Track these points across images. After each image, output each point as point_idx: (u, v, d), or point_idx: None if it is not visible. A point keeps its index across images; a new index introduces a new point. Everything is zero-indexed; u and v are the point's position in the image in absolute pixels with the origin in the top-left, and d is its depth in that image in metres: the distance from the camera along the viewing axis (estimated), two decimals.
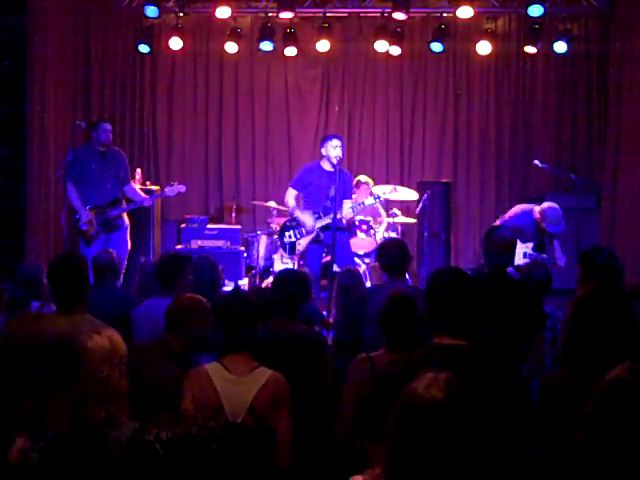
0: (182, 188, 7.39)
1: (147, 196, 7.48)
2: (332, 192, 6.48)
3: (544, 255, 6.84)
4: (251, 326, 3.15)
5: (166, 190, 7.39)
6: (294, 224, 6.92)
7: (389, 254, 4.43)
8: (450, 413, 1.83)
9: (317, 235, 6.68)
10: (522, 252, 6.93)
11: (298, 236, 6.88)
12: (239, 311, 3.15)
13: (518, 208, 6.94)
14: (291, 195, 6.91)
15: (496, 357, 2.74)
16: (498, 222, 6.93)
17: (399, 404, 1.91)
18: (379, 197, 7.07)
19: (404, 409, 1.88)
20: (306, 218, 6.71)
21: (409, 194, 8.40)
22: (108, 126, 7.17)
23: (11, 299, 4.28)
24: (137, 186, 7.77)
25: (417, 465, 1.83)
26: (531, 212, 6.69)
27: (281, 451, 2.97)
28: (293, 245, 6.89)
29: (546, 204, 6.66)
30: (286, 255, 7.14)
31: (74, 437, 2.35)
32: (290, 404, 3.02)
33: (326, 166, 6.68)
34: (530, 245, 6.98)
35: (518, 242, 6.88)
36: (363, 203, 7.02)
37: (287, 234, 6.95)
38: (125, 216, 7.21)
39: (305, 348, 3.54)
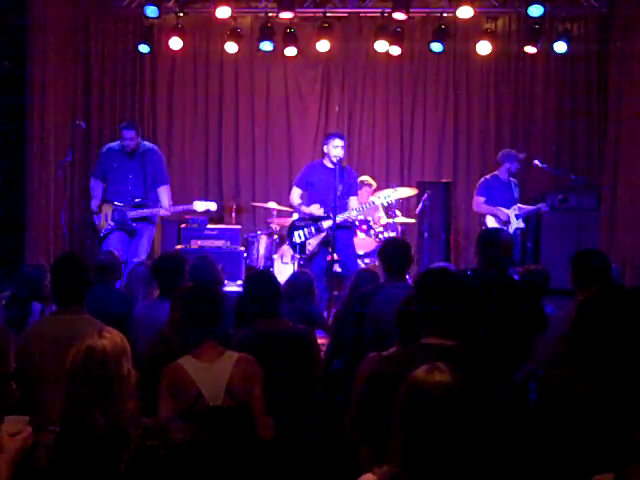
0: (213, 206, 7.12)
1: (167, 206, 7.05)
2: (338, 191, 6.47)
3: (531, 207, 7.47)
4: (220, 317, 3.24)
5: (195, 204, 7.08)
6: (302, 224, 6.89)
7: (390, 254, 4.41)
8: (460, 394, 1.85)
9: (327, 235, 6.64)
10: (514, 216, 7.12)
11: (308, 236, 6.85)
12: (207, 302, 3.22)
13: (480, 181, 7.63)
14: (296, 194, 6.90)
15: (487, 358, 2.73)
16: (476, 201, 7.20)
17: (406, 395, 1.91)
18: (388, 196, 7.02)
19: (413, 398, 1.88)
20: (313, 209, 6.73)
21: (409, 192, 8.39)
22: (128, 133, 6.95)
23: (12, 298, 4.28)
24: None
25: (432, 452, 1.83)
26: (491, 177, 7.43)
27: (262, 425, 3.08)
28: (303, 245, 6.86)
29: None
30: (297, 255, 7.09)
31: (105, 436, 2.37)
32: (261, 381, 3.13)
33: (328, 164, 6.70)
34: (516, 207, 7.16)
35: (505, 209, 7.15)
36: (373, 203, 7.01)
37: (296, 234, 6.90)
38: (149, 222, 7.01)
39: (291, 345, 3.56)
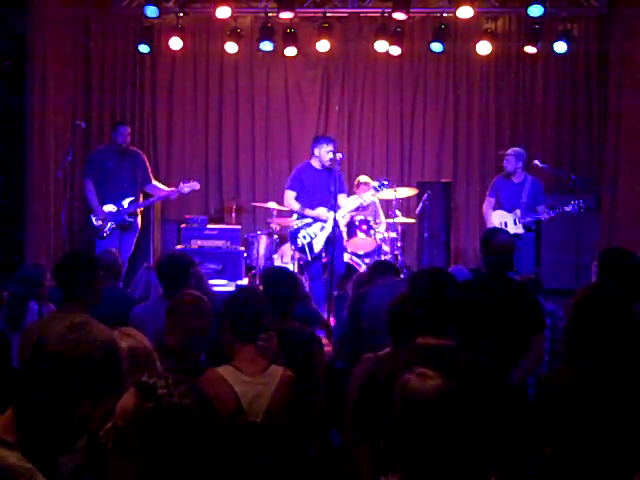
0: (196, 185, 7.45)
1: (172, 189, 7.52)
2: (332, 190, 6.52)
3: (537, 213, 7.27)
4: (259, 319, 3.13)
5: (180, 187, 7.42)
6: (304, 224, 6.95)
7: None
8: (453, 397, 1.85)
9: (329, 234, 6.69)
10: (513, 220, 7.05)
11: (313, 235, 6.90)
12: (251, 303, 3.13)
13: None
14: (291, 197, 6.96)
15: (481, 357, 2.73)
16: (486, 201, 7.15)
17: (401, 403, 1.91)
18: (382, 185, 7.03)
19: (409, 406, 1.89)
20: (321, 212, 6.77)
21: (409, 192, 8.37)
22: (125, 129, 7.40)
23: (11, 297, 4.28)
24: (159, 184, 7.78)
25: (432, 457, 1.84)
26: (499, 176, 7.30)
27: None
28: (311, 244, 6.91)
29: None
30: (298, 255, 7.16)
31: None
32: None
33: (317, 165, 6.81)
34: (518, 212, 7.09)
35: (505, 213, 7.09)
36: (364, 201, 7.07)
37: (300, 235, 6.95)
38: (138, 218, 7.33)
39: (296, 345, 3.54)
